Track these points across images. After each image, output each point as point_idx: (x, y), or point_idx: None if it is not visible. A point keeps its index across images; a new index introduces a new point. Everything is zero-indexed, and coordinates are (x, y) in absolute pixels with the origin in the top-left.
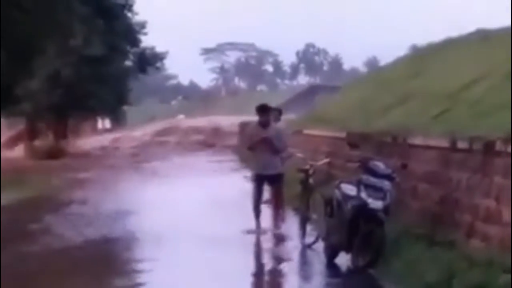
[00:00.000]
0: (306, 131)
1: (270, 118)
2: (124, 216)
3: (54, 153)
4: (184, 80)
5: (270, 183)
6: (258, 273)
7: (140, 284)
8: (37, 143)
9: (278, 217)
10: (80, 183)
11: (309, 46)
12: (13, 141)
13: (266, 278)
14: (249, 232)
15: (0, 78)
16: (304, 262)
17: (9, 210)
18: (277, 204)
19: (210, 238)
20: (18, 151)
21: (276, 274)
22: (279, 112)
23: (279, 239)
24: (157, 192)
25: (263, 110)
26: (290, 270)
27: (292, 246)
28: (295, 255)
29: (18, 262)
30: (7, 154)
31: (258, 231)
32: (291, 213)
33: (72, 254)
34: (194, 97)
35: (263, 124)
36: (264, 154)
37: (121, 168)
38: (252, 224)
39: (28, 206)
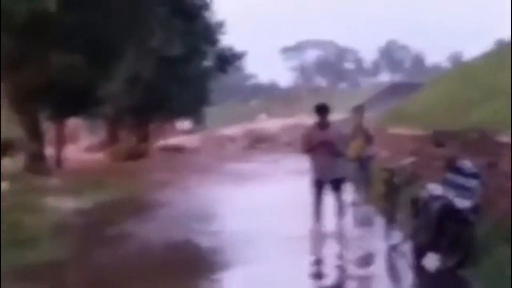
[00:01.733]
0: (389, 130)
1: (329, 119)
2: (206, 217)
3: (136, 155)
4: (264, 80)
5: (331, 189)
6: (345, 274)
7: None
8: (119, 145)
9: (340, 221)
10: (162, 185)
11: (390, 42)
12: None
13: (354, 279)
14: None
15: (80, 81)
16: (391, 263)
17: (90, 213)
18: (339, 210)
19: (292, 239)
20: (100, 153)
21: (364, 276)
22: (361, 109)
23: (343, 243)
24: (239, 193)
25: (321, 110)
26: (378, 270)
27: (378, 247)
28: (381, 256)
29: (102, 266)
30: (90, 156)
31: (319, 235)
32: (376, 213)
33: (156, 257)
34: (274, 97)
35: (322, 125)
36: (323, 157)
37: (203, 169)
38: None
39: (109, 208)
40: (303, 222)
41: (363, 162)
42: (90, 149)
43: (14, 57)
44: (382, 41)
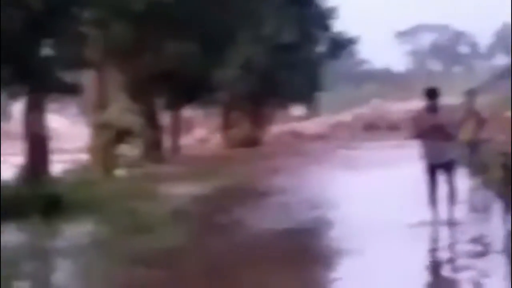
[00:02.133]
0: (505, 114)
1: (439, 103)
2: (321, 204)
3: (250, 141)
4: (377, 65)
5: (443, 172)
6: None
7: (340, 276)
8: (233, 131)
9: (452, 207)
10: (276, 171)
11: (506, 25)
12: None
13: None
14: (421, 224)
15: (196, 69)
16: (509, 249)
17: (205, 200)
18: (451, 194)
19: (407, 226)
20: (215, 140)
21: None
22: (473, 93)
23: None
24: (354, 179)
25: (431, 94)
26: (495, 258)
27: (496, 233)
28: (499, 242)
29: (216, 253)
30: (205, 143)
31: (436, 222)
32: (493, 198)
33: (269, 244)
34: (387, 82)
35: (432, 109)
36: (434, 142)
37: (317, 155)
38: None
39: (224, 195)
40: (420, 209)
41: (475, 146)
42: (205, 136)
43: (131, 46)
44: (497, 24)
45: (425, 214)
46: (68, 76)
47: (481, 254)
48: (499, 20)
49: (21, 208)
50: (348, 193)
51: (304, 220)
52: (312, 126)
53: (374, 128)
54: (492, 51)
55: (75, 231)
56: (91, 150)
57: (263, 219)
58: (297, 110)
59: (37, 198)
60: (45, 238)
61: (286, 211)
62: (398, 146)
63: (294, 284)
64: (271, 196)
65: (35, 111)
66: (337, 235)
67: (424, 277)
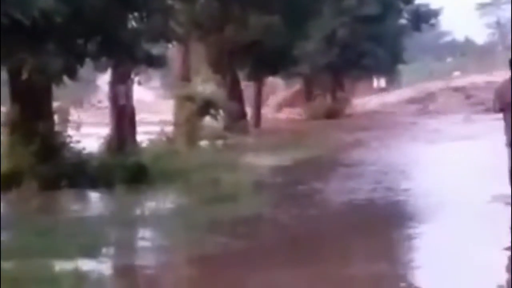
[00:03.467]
0: None
1: None
2: (400, 176)
3: (331, 113)
4: (459, 37)
5: None
6: None
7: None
8: (314, 103)
9: None
10: (357, 143)
11: None
12: (289, 102)
13: None
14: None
15: (278, 41)
16: None
17: (287, 170)
18: None
19: (486, 203)
20: (296, 112)
21: None
22: None
23: None
24: (435, 152)
25: None
26: None
27: None
28: None
29: (297, 223)
30: (287, 115)
31: None
32: None
33: (347, 215)
34: (469, 54)
35: None
36: None
37: (399, 127)
38: None
39: (305, 166)
40: (501, 184)
41: None
42: (287, 107)
43: (216, 19)
44: None
45: (506, 189)
46: (153, 49)
47: None
48: None
49: (107, 178)
50: (428, 165)
51: (383, 191)
52: (393, 98)
53: (455, 99)
54: None
55: (160, 201)
56: (175, 121)
57: (343, 190)
58: (379, 82)
59: (123, 169)
60: (131, 207)
61: (366, 182)
62: (480, 118)
63: (374, 253)
64: (351, 167)
65: (121, 83)
66: (412, 208)
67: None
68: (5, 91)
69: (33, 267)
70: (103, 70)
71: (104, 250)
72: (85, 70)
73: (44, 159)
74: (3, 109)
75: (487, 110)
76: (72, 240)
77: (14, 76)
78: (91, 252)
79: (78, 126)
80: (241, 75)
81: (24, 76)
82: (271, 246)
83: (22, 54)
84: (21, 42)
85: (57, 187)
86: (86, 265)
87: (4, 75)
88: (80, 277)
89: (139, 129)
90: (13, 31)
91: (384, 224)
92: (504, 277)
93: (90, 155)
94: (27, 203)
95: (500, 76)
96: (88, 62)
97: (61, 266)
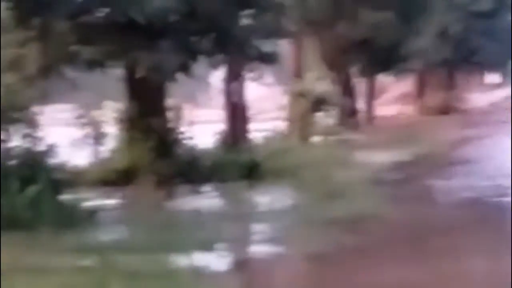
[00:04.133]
0: None
1: None
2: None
3: (443, 110)
4: None
5: None
6: None
7: None
8: (426, 99)
9: None
10: (471, 140)
11: None
12: (401, 98)
13: None
14: None
15: (390, 37)
16: None
17: (401, 166)
18: None
19: None
20: (408, 109)
21: None
22: None
23: None
24: None
25: None
26: None
27: None
28: None
29: (413, 220)
30: (399, 111)
31: None
32: None
33: (463, 213)
34: None
35: None
36: None
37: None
38: None
39: (417, 163)
40: None
41: None
42: (399, 104)
43: (328, 15)
44: None
45: None
46: (266, 46)
47: None
48: None
49: (221, 175)
50: None
51: (498, 189)
52: (506, 94)
53: None
54: None
55: (273, 197)
56: (288, 118)
57: (457, 187)
58: (492, 78)
59: (236, 165)
60: (244, 203)
61: (480, 179)
62: None
63: (493, 250)
64: (464, 164)
65: (234, 80)
66: None
67: None
68: (122, 88)
69: (151, 261)
70: (216, 67)
71: (219, 245)
72: (198, 67)
73: (160, 156)
74: (120, 106)
75: None
76: (188, 235)
77: (130, 73)
78: (207, 247)
79: (191, 123)
80: (353, 71)
81: (140, 73)
82: (386, 243)
83: (138, 52)
84: (137, 40)
85: (172, 183)
86: (202, 259)
87: (121, 73)
88: (196, 271)
89: (252, 125)
90: (129, 30)
91: (501, 221)
92: None
93: (203, 151)
94: (143, 199)
95: None
96: (201, 59)
97: (178, 260)
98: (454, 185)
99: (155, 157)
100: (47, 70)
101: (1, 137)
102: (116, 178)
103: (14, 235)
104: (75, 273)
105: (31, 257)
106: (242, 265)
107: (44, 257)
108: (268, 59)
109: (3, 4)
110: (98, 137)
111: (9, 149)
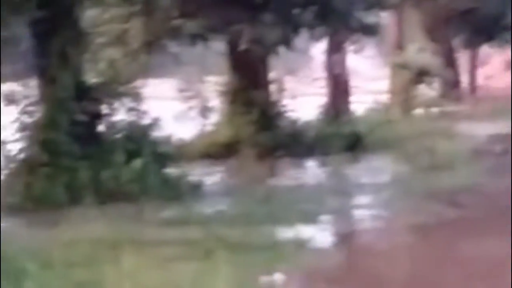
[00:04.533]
0: None
1: None
2: None
3: None
4: None
5: None
6: None
7: None
8: None
9: None
10: None
11: None
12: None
13: None
14: None
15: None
16: None
17: (504, 138)
18: None
19: None
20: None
21: None
22: None
23: None
24: None
25: None
26: None
27: None
28: None
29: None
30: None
31: None
32: None
33: None
34: None
35: None
36: None
37: None
38: None
39: None
40: None
41: None
42: (502, 75)
43: None
44: None
45: None
46: (368, 17)
47: None
48: None
49: (323, 147)
50: None
51: None
52: None
53: None
54: None
55: (375, 169)
56: (390, 90)
57: None
58: None
59: (339, 137)
60: (347, 175)
61: None
62: None
63: None
64: None
65: (336, 52)
66: None
67: None
68: (224, 62)
69: (255, 233)
70: (318, 39)
71: (323, 217)
72: (299, 40)
73: (262, 128)
74: (222, 79)
75: None
76: (292, 207)
77: (232, 46)
78: (311, 219)
79: (293, 96)
80: (455, 42)
81: (242, 46)
82: (487, 215)
83: (240, 25)
84: (239, 14)
85: (274, 156)
86: (306, 232)
87: (223, 46)
88: (300, 244)
89: (354, 98)
90: (231, 3)
91: None
92: None
93: (305, 124)
94: (246, 171)
95: None
96: (303, 32)
97: (282, 233)
98: None
99: (257, 130)
100: (151, 44)
101: (106, 111)
102: (218, 151)
103: (119, 208)
104: (181, 245)
105: (136, 230)
106: (345, 237)
107: (150, 229)
108: (370, 31)
109: None
110: (201, 111)
111: (114, 123)
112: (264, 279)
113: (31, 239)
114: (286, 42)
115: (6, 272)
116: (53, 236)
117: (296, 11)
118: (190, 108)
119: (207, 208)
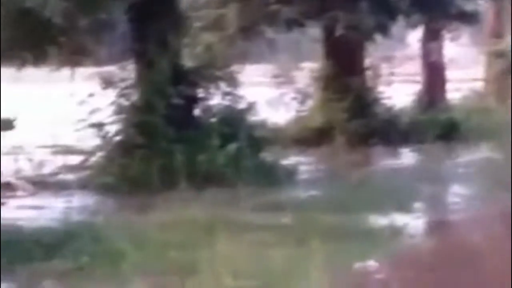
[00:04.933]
0: None
1: None
2: None
3: None
4: None
5: None
6: None
7: None
8: None
9: None
10: None
11: None
12: None
13: None
14: None
15: None
16: None
17: None
18: None
19: None
20: None
21: None
22: None
23: None
24: None
25: None
26: None
27: None
28: None
29: None
30: None
31: None
32: None
33: None
34: None
35: None
36: None
37: None
38: None
39: None
40: None
41: None
42: None
43: None
44: None
45: None
46: (467, 5)
47: None
48: None
49: (418, 134)
50: None
51: None
52: None
53: None
54: None
55: (471, 157)
56: (486, 78)
57: None
58: None
59: (435, 125)
60: (443, 163)
61: None
62: None
63: None
64: None
65: (432, 40)
66: None
67: None
68: (319, 48)
69: (350, 220)
70: (414, 27)
71: (417, 205)
72: (395, 27)
73: (356, 115)
74: (316, 65)
75: None
76: (386, 195)
77: (327, 33)
78: (405, 207)
79: (389, 83)
80: None
81: (338, 33)
82: None
83: (337, 12)
84: (335, 0)
85: (367, 143)
86: (400, 219)
87: (318, 33)
88: (395, 231)
89: (451, 85)
90: None
91: None
92: None
93: (400, 111)
94: (339, 158)
95: None
96: (400, 19)
97: (376, 220)
98: None
99: (351, 116)
100: (247, 30)
101: (202, 94)
102: (312, 136)
103: (213, 191)
104: (275, 230)
105: (230, 213)
106: (440, 226)
107: (244, 213)
108: (469, 19)
109: None
110: (296, 96)
111: (210, 107)
112: (358, 266)
113: (126, 220)
114: (383, 29)
115: (102, 253)
116: (148, 218)
117: None
118: (284, 93)
119: (302, 194)
